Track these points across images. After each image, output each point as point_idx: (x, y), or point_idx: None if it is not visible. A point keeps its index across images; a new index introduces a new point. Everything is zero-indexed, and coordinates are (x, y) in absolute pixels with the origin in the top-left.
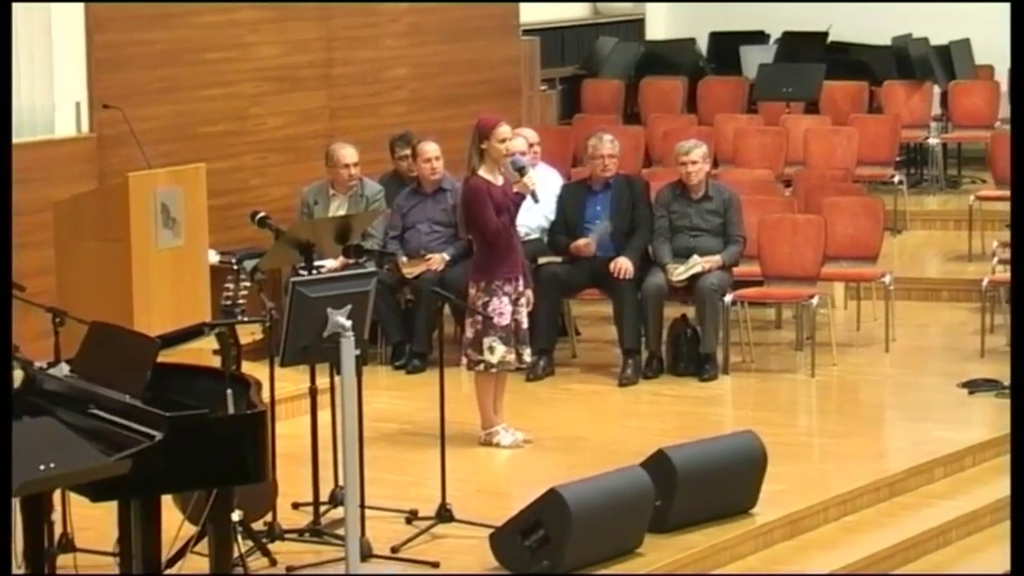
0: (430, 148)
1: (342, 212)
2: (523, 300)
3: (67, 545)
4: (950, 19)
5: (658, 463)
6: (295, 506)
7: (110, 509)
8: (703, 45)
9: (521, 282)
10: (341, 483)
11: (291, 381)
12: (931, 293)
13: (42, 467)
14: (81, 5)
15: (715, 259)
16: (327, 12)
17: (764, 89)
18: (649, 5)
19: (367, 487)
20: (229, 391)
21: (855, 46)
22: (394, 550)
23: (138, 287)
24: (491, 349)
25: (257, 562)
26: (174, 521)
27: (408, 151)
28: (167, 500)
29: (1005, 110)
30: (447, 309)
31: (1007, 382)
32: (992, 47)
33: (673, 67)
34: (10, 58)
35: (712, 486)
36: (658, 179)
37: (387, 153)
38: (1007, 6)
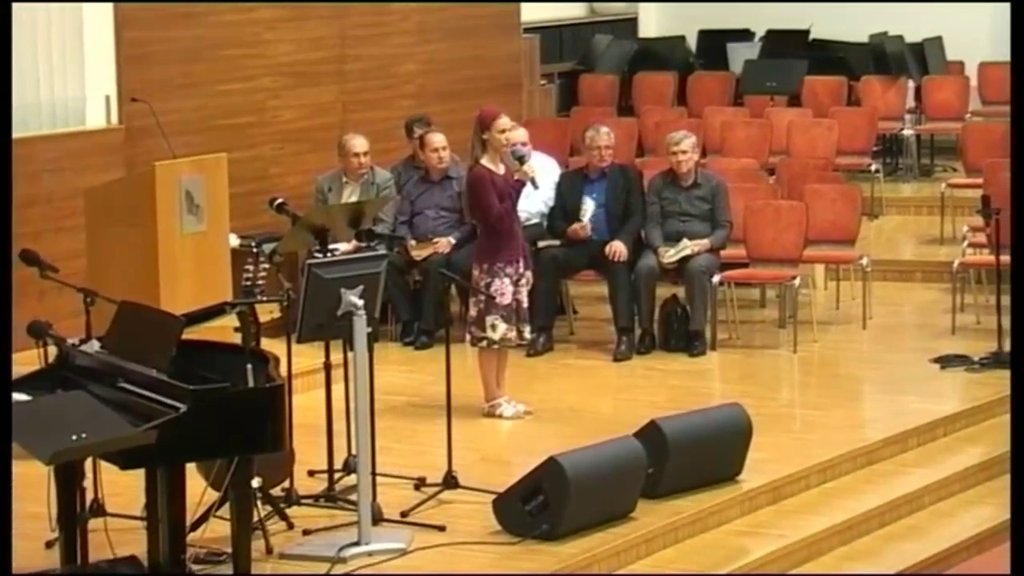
0: (437, 139)
1: (354, 199)
2: (523, 281)
3: (98, 510)
4: (924, 18)
5: (650, 433)
6: (311, 473)
7: (138, 476)
8: (692, 42)
9: (522, 264)
10: (354, 452)
11: (307, 357)
12: (905, 274)
13: (74, 437)
14: (110, 4)
15: (703, 243)
16: (340, 11)
17: (749, 83)
18: (642, 5)
19: (378, 456)
20: (249, 366)
21: (835, 43)
22: (403, 515)
23: (164, 269)
24: (493, 327)
25: (275, 525)
26: (198, 487)
27: (424, 131)
28: (191, 468)
29: (975, 103)
30: (453, 289)
31: (976, 358)
32: (963, 44)
33: (664, 63)
34: (10, 58)
35: (701, 455)
36: (650, 168)
37: (396, 143)
38: (978, 6)
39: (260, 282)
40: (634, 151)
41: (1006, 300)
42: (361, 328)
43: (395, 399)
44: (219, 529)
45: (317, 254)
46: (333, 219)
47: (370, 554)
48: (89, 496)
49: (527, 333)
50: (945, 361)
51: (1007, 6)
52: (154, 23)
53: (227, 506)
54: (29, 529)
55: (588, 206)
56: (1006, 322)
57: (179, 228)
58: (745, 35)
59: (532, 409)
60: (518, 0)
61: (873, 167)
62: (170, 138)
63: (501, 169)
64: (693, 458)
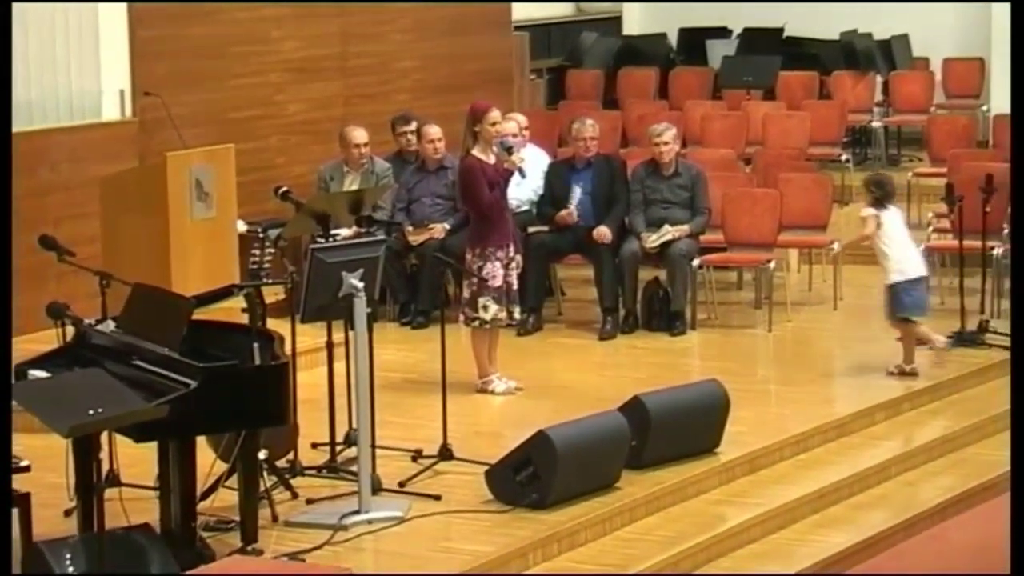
0: (433, 130)
1: (355, 187)
2: (514, 264)
3: (113, 480)
4: (891, 16)
5: (634, 408)
6: (314, 446)
7: (151, 448)
8: (673, 39)
9: (512, 248)
10: (354, 426)
11: (310, 336)
12: (874, 258)
13: (91, 412)
14: (124, 4)
15: (684, 228)
16: (342, 11)
17: (727, 78)
18: (626, 4)
19: (377, 429)
20: (256, 344)
21: (807, 40)
22: (401, 484)
23: (175, 253)
24: (485, 307)
25: (281, 495)
26: (207, 459)
27: (406, 128)
28: (201, 440)
29: (940, 97)
30: (448, 273)
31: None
32: (928, 41)
33: (647, 59)
34: (10, 57)
35: (681, 428)
36: (634, 158)
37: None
38: (943, 5)
39: (266, 265)
40: (618, 142)
41: (969, 282)
42: (361, 309)
43: (393, 376)
44: (227, 498)
45: (320, 239)
46: (335, 206)
47: (370, 522)
48: (105, 467)
49: (517, 313)
50: None
51: (969, 6)
52: (166, 21)
53: (235, 477)
54: (49, 498)
55: (575, 194)
56: (969, 303)
57: (189, 215)
58: (723, 33)
59: (522, 385)
60: (511, 0)
61: (843, 157)
62: (181, 130)
63: (491, 159)
64: (674, 431)
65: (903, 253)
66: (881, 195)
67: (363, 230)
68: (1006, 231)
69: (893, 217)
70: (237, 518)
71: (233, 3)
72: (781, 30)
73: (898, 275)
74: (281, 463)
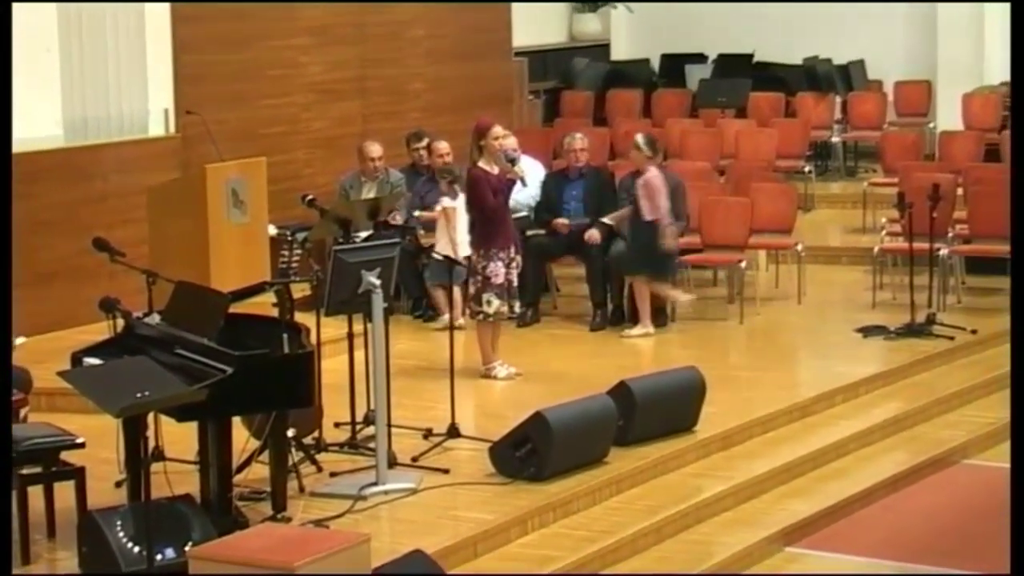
0: (442, 145)
1: (372, 195)
2: (514, 264)
3: (158, 455)
4: (849, 44)
5: (621, 391)
6: (336, 425)
7: (192, 427)
8: (656, 64)
9: (513, 249)
10: (372, 407)
11: (333, 327)
12: (833, 258)
13: (139, 395)
14: (169, 31)
15: None
16: (361, 39)
17: (703, 99)
18: (613, 32)
19: (392, 410)
20: (285, 335)
21: (774, 65)
22: (414, 459)
23: (213, 254)
24: (489, 302)
25: (307, 469)
26: (242, 437)
27: (418, 144)
28: (236, 420)
29: (891, 115)
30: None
31: (893, 328)
32: (881, 66)
33: (632, 81)
34: (10, 60)
35: (663, 409)
36: (621, 169)
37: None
38: (895, 33)
39: (294, 265)
40: (607, 155)
41: (918, 280)
42: (378, 303)
43: (406, 363)
44: (260, 472)
45: (341, 241)
46: (355, 212)
47: (386, 492)
48: (151, 444)
49: (517, 307)
50: (866, 331)
51: (921, 34)
52: (206, 48)
53: (266, 453)
54: (101, 472)
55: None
56: (918, 298)
57: (226, 219)
58: (700, 58)
59: (522, 371)
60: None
61: (807, 169)
62: (219, 144)
63: (495, 170)
64: (656, 412)
65: None
66: None
67: (380, 233)
68: (951, 234)
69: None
70: (268, 489)
71: (266, 31)
72: (751, 56)
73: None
74: (307, 440)
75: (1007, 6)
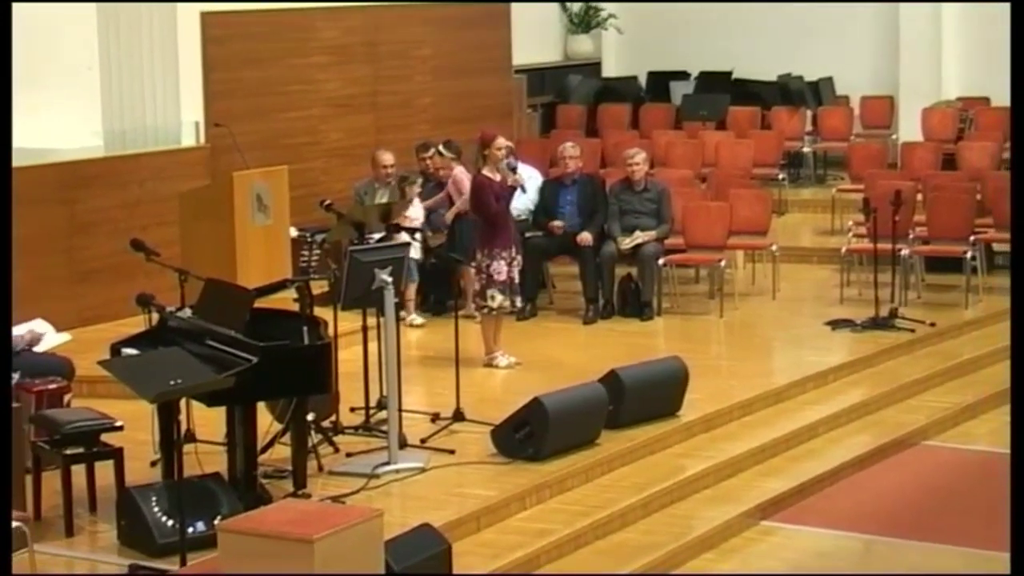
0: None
1: (384, 201)
2: (515, 262)
3: (190, 437)
4: (818, 62)
5: (611, 379)
6: (352, 410)
7: (220, 412)
8: (643, 81)
9: (514, 249)
10: (384, 393)
11: (349, 321)
12: (805, 258)
13: (172, 382)
14: (199, 50)
15: (652, 234)
16: (374, 57)
17: (686, 112)
18: (605, 52)
19: (403, 396)
20: (305, 328)
21: (751, 82)
22: (422, 441)
23: (240, 254)
24: (492, 297)
25: (325, 449)
26: (266, 420)
27: (426, 154)
28: (261, 405)
29: (858, 127)
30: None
31: (859, 321)
32: (848, 82)
33: (622, 96)
34: (10, 66)
35: (650, 395)
36: (611, 176)
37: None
38: (861, 53)
39: (313, 264)
40: (599, 164)
41: (881, 277)
42: (390, 299)
43: (416, 353)
44: (282, 452)
45: (356, 242)
46: (368, 216)
47: (397, 471)
48: (183, 427)
49: (518, 302)
50: (835, 324)
51: (884, 53)
52: (233, 66)
53: (288, 435)
54: (138, 452)
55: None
56: (882, 294)
57: (251, 222)
58: (683, 75)
59: (521, 361)
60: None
61: (780, 176)
62: (244, 154)
63: (498, 177)
64: (644, 398)
65: None
66: None
67: (391, 235)
68: (911, 236)
69: None
70: (290, 468)
71: (287, 51)
72: (730, 74)
73: None
74: (325, 424)
75: (965, 28)
